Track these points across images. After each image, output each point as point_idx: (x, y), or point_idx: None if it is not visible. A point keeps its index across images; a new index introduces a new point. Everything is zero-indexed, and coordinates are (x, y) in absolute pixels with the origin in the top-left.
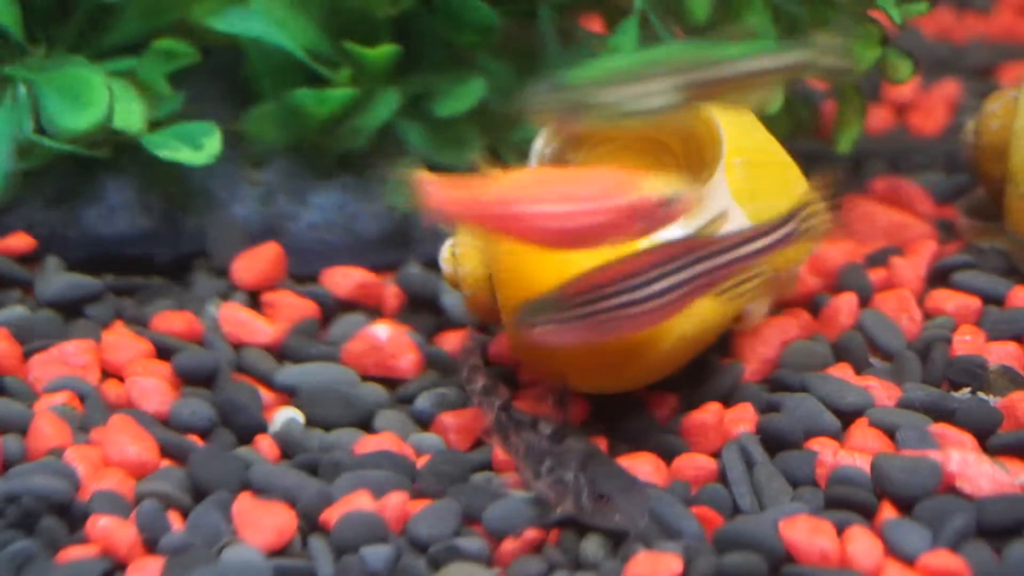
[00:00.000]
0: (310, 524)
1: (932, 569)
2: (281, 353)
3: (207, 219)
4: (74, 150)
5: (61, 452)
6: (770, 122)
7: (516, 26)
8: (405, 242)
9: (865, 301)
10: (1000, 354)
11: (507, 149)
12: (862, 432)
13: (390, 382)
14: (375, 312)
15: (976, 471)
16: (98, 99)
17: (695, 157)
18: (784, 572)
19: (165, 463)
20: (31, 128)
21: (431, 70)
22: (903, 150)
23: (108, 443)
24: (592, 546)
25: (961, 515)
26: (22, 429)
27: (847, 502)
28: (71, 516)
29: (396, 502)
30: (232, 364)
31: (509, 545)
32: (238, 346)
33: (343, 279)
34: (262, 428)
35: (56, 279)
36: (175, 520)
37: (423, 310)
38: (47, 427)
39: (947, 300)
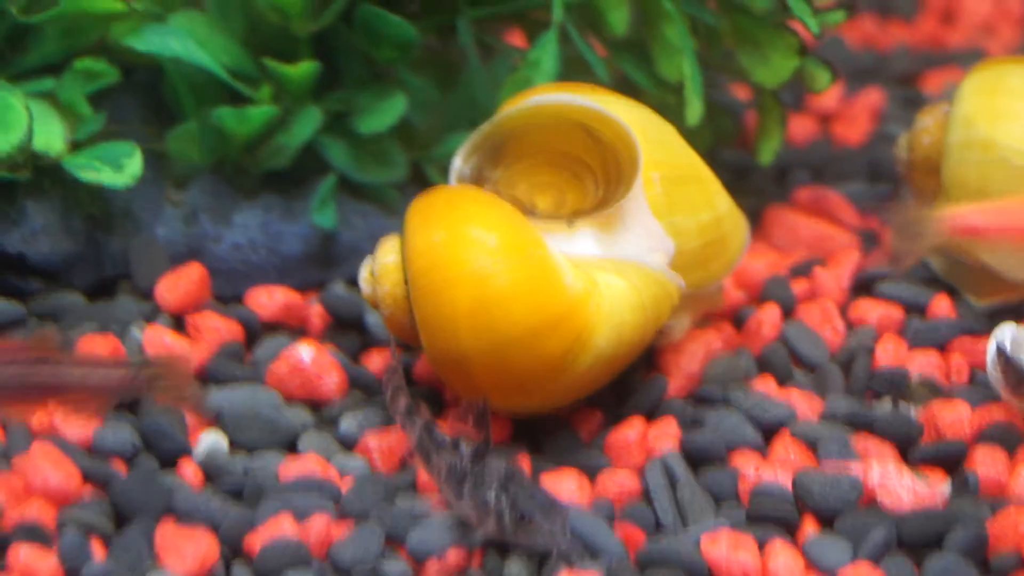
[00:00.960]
0: (233, 550)
1: None
2: (206, 376)
3: (130, 241)
4: None
5: None
6: (692, 134)
7: (436, 41)
8: (329, 261)
9: (788, 313)
10: (922, 363)
11: (430, 165)
12: (784, 445)
13: (315, 404)
14: (300, 332)
15: (896, 484)
16: (18, 121)
17: (613, 172)
18: None
19: (88, 490)
20: None
21: (352, 86)
22: (826, 159)
23: (30, 471)
24: (516, 567)
25: (881, 529)
26: None
27: (769, 517)
28: None
29: (319, 526)
30: None
31: (433, 567)
32: None
33: (268, 300)
34: (186, 452)
35: None
36: (97, 549)
37: (348, 330)
38: None
39: (870, 310)
